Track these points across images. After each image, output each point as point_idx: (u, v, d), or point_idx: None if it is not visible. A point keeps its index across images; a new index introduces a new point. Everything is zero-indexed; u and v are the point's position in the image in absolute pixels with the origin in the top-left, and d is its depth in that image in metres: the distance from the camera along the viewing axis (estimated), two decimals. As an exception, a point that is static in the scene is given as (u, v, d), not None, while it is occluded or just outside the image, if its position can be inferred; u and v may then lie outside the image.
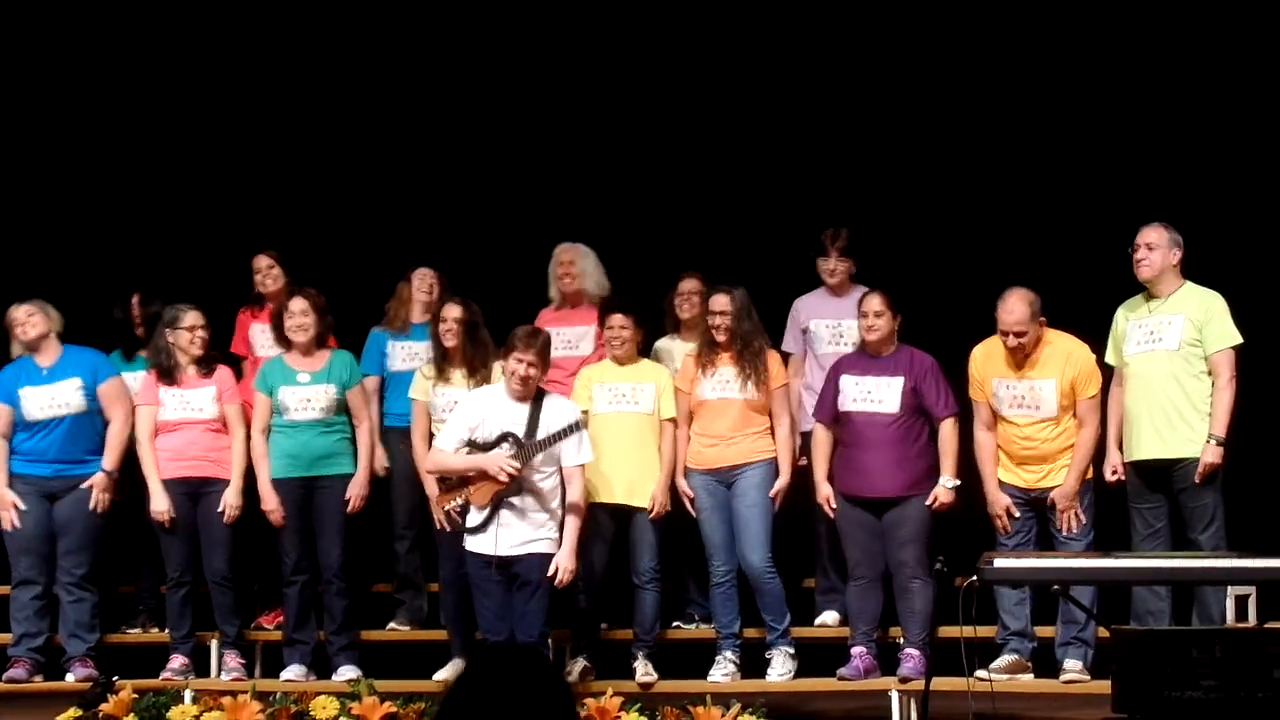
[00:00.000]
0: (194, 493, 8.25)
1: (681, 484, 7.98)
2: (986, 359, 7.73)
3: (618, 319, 7.98)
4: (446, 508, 7.59)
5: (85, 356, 8.40)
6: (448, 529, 7.68)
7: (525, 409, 7.44)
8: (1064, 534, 7.55)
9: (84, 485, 8.26)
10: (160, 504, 8.20)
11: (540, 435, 7.39)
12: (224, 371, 8.35)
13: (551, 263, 8.65)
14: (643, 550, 7.94)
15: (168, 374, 8.27)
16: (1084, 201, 8.67)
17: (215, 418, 8.26)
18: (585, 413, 7.72)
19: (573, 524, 7.43)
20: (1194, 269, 7.61)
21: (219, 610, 8.29)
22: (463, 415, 7.56)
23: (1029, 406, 7.61)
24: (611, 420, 7.93)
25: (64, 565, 8.28)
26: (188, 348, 8.25)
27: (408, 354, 8.55)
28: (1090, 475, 7.63)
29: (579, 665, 7.88)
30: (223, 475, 8.23)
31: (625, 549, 7.99)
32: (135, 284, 8.81)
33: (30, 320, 8.34)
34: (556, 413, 7.47)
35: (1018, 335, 7.54)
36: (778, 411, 7.93)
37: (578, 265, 8.54)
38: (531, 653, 3.41)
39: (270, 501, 8.18)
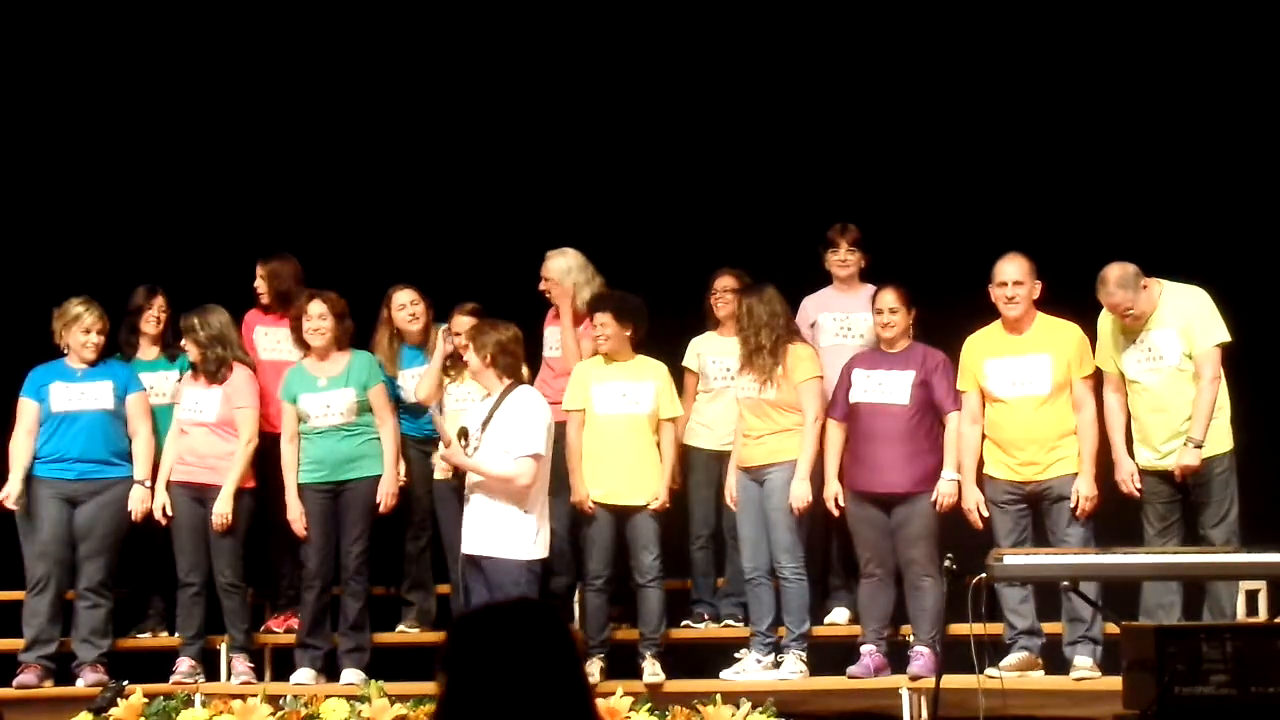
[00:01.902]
0: (199, 497, 8.25)
1: (729, 481, 8.01)
2: (978, 343, 7.77)
3: (597, 317, 7.99)
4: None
5: (119, 367, 8.40)
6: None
7: (489, 403, 7.51)
8: (1066, 526, 7.53)
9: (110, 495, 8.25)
10: (158, 500, 8.24)
11: (492, 428, 7.42)
12: (240, 375, 8.28)
13: None
14: (645, 549, 7.94)
15: (193, 373, 8.30)
16: (1087, 194, 8.66)
17: (218, 421, 8.23)
18: (466, 429, 7.56)
19: (483, 461, 7.45)
20: (1203, 265, 7.59)
21: (227, 614, 8.28)
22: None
23: (1022, 383, 7.60)
24: (610, 420, 7.90)
25: (84, 570, 8.25)
26: (191, 350, 8.27)
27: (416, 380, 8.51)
28: None
29: (595, 666, 7.87)
30: (223, 481, 8.19)
31: (625, 550, 8.00)
32: (146, 283, 8.77)
33: (96, 333, 8.30)
34: (514, 406, 7.47)
35: (1016, 285, 7.55)
36: (805, 406, 7.85)
37: (548, 271, 8.45)
38: (539, 607, 3.38)
39: (294, 510, 8.18)
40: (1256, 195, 8.57)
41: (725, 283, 8.35)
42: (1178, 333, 7.39)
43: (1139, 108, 8.77)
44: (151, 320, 8.59)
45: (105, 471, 8.29)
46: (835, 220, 8.34)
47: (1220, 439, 7.43)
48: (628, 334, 7.99)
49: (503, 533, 7.43)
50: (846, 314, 8.28)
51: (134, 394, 8.34)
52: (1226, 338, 7.40)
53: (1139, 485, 7.52)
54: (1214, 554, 6.97)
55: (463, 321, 8.10)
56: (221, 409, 8.24)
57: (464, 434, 7.48)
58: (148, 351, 8.64)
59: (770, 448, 7.87)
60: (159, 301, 8.61)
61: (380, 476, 8.22)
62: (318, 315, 8.20)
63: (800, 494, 7.76)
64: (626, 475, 7.92)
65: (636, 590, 8.01)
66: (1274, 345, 7.95)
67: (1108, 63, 8.81)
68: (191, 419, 8.27)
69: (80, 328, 8.26)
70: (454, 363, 8.18)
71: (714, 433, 8.31)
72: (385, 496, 8.21)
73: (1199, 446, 7.33)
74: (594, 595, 7.98)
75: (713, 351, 8.31)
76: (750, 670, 7.85)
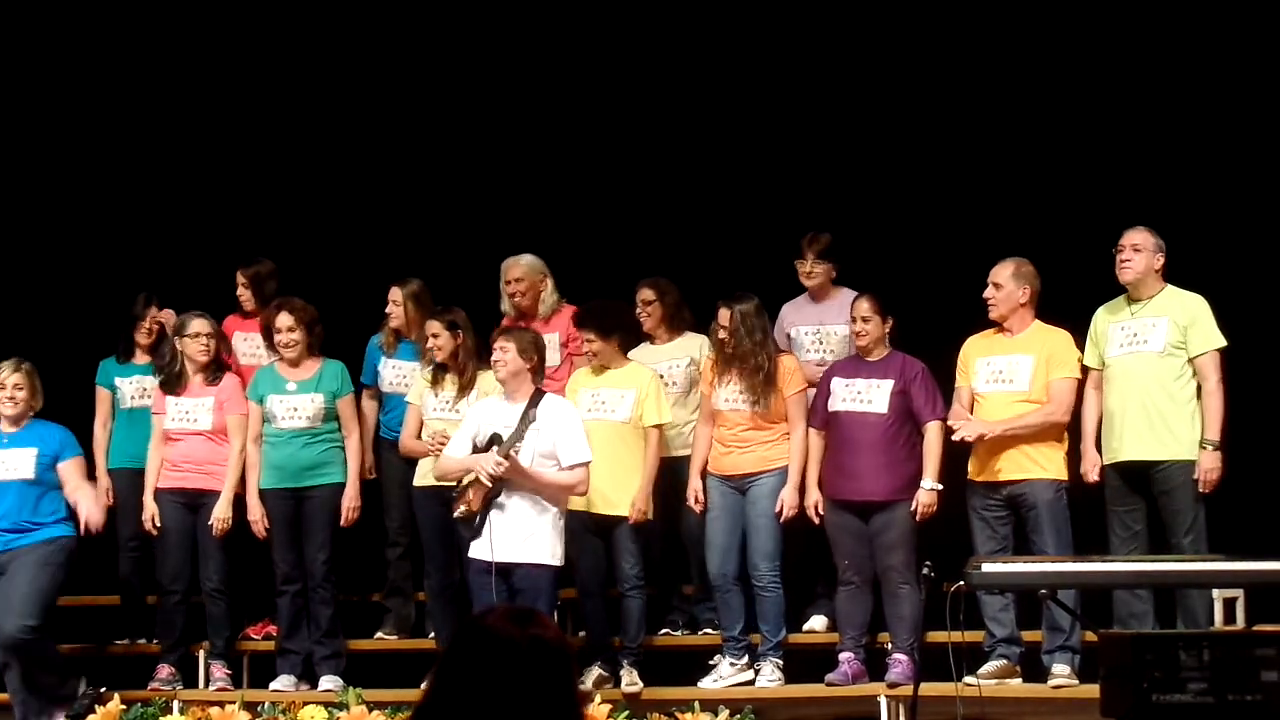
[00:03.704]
0: (191, 503, 8.23)
1: (695, 484, 7.97)
2: (974, 343, 7.82)
3: (583, 333, 7.98)
4: (456, 515, 7.54)
5: (52, 432, 8.01)
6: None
7: (518, 409, 7.43)
8: (1043, 535, 7.55)
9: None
10: (148, 511, 8.20)
11: (529, 435, 7.38)
12: (229, 380, 8.28)
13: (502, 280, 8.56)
14: (625, 558, 7.92)
15: (172, 382, 8.24)
16: (1070, 202, 8.67)
17: (212, 428, 8.22)
18: (498, 434, 7.45)
19: (543, 470, 7.42)
20: (1180, 270, 7.62)
21: (211, 620, 8.27)
22: (466, 426, 7.58)
23: (1004, 381, 7.64)
24: (588, 428, 7.79)
25: (6, 625, 7.69)
26: (195, 356, 8.22)
27: (397, 374, 8.50)
28: (1066, 480, 7.64)
29: (594, 674, 7.85)
30: (218, 487, 8.17)
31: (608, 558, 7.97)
32: (142, 288, 8.73)
33: (17, 393, 7.95)
34: (554, 412, 7.46)
35: (996, 288, 7.60)
36: (793, 417, 7.89)
37: (519, 271, 8.48)
38: (548, 647, 3.35)
39: (255, 511, 8.17)
40: (1233, 207, 8.59)
41: (644, 295, 8.33)
42: (1170, 323, 7.44)
43: (1119, 119, 8.78)
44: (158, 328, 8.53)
45: (26, 539, 7.84)
46: (814, 223, 8.35)
47: (1190, 447, 7.46)
48: (615, 344, 7.96)
49: (535, 541, 7.40)
50: (818, 326, 8.29)
51: (68, 460, 7.93)
52: (1223, 343, 7.46)
53: (1096, 477, 7.54)
54: (1194, 562, 6.97)
55: (435, 326, 8.09)
56: (212, 415, 8.22)
57: (496, 440, 7.39)
58: (142, 357, 8.60)
59: (759, 456, 7.88)
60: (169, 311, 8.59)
61: (343, 484, 8.20)
62: (286, 329, 8.17)
63: (793, 501, 7.80)
64: (606, 483, 7.87)
65: (618, 599, 7.99)
66: (1241, 355, 7.96)
67: (1095, 70, 8.81)
68: (182, 426, 8.23)
69: None
70: (439, 369, 8.15)
71: None
72: (347, 510, 8.20)
73: (1216, 450, 7.37)
74: (591, 602, 7.97)
75: (649, 362, 8.22)
76: (726, 676, 7.84)
